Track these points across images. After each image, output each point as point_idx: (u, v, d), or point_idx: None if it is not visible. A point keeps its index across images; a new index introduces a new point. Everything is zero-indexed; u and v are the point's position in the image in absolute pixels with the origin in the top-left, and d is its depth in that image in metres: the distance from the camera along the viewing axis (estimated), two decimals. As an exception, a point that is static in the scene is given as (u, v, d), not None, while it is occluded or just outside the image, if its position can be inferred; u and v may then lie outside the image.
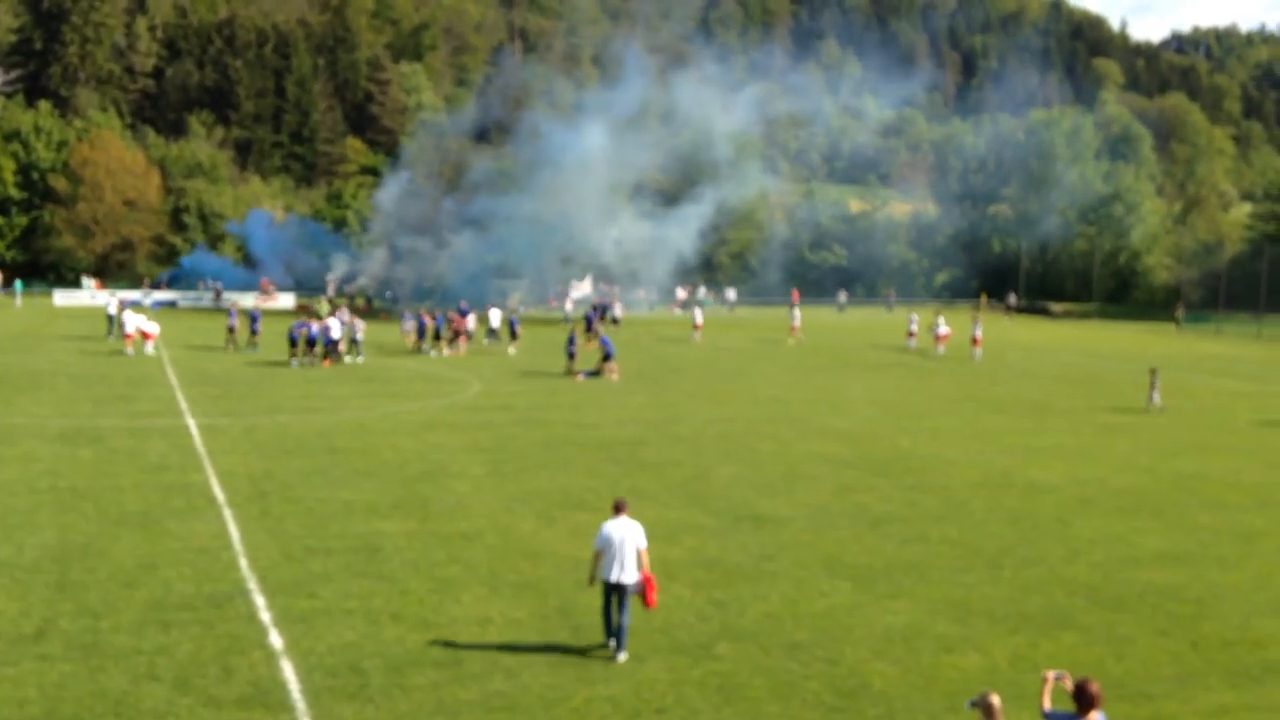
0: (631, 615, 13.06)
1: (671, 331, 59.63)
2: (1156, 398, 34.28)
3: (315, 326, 41.29)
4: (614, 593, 12.76)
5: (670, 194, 72.43)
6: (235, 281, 74.85)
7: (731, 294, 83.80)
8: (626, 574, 12.68)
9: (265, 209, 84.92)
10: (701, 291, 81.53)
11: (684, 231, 68.59)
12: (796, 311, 60.01)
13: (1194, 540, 18.67)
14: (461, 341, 45.42)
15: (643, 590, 12.77)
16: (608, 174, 66.94)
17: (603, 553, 12.77)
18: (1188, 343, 63.90)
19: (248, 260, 78.42)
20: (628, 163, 67.71)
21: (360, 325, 42.54)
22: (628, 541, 12.74)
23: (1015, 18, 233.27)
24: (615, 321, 55.82)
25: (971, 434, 28.79)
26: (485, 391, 34.39)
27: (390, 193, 76.08)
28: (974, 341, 49.39)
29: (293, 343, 40.26)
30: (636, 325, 61.69)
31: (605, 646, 12.95)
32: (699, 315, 57.63)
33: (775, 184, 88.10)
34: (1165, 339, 66.64)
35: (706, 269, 74.57)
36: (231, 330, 44.65)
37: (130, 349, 42.28)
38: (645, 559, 12.92)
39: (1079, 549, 17.85)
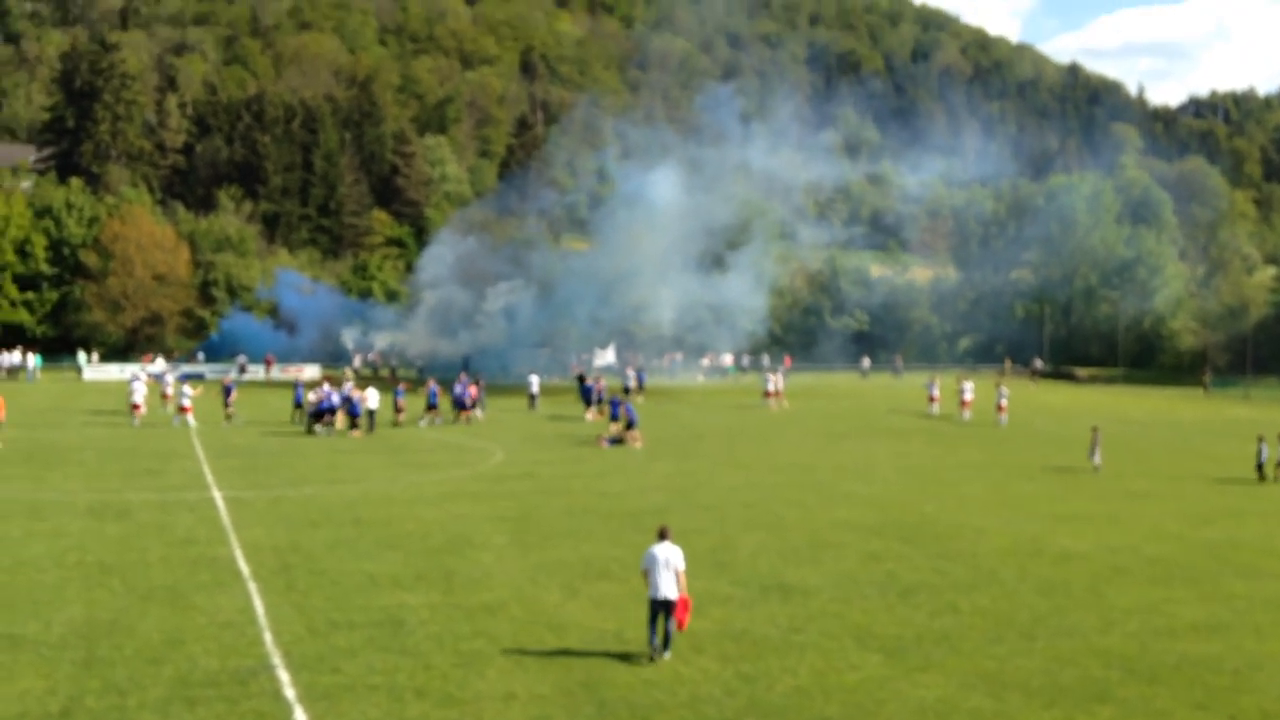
0: (674, 626, 14.87)
1: (739, 399, 59.60)
2: (1097, 457, 34.10)
3: (336, 396, 41.42)
4: (659, 608, 14.73)
5: (716, 254, 69.00)
6: (273, 346, 75.22)
7: (765, 359, 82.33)
8: (668, 590, 14.67)
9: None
10: (726, 358, 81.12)
11: (757, 293, 66.00)
12: (779, 376, 58.33)
13: (1229, 609, 18.35)
14: (465, 413, 45.07)
15: (678, 610, 14.71)
16: (680, 226, 63.72)
17: (648, 572, 14.83)
18: (1216, 407, 63.32)
19: (283, 325, 78.74)
20: (700, 215, 64.49)
21: (375, 396, 42.18)
22: (669, 563, 14.74)
23: (1032, 84, 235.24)
24: (627, 390, 54.71)
25: (999, 500, 28.52)
26: (508, 460, 34.38)
27: (438, 254, 74.55)
28: (999, 408, 49.08)
29: (318, 413, 40.50)
30: (676, 394, 61.43)
31: (650, 647, 14.83)
32: (771, 381, 56.65)
33: (797, 249, 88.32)
34: (1193, 404, 66.09)
35: (696, 333, 73.09)
36: (227, 405, 44.12)
37: (137, 420, 42.55)
38: (683, 580, 14.82)
39: (1113, 619, 17.56)
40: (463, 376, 49.31)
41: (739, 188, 71.03)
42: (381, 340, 76.52)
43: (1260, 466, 32.93)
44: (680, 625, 14.85)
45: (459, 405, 44.88)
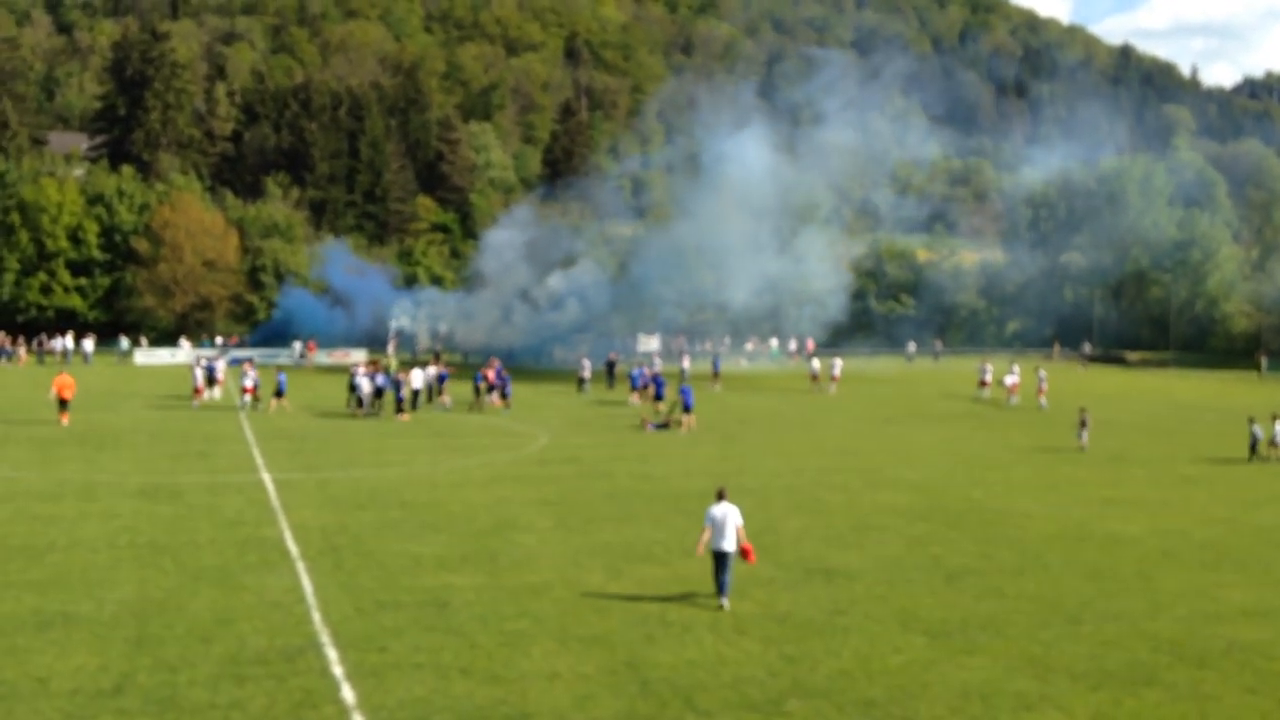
0: (732, 575, 16.66)
1: (788, 383, 59.27)
2: (1085, 437, 34.62)
3: (381, 378, 42.03)
4: (720, 559, 16.47)
5: (787, 235, 65.53)
6: (329, 327, 75.40)
7: (809, 344, 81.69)
8: (728, 543, 16.43)
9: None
10: (774, 343, 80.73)
11: (836, 274, 63.48)
12: (815, 363, 57.37)
13: (1279, 594, 18.09)
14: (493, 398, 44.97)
15: (743, 554, 16.80)
16: (764, 198, 60.67)
17: (711, 528, 16.54)
18: (1270, 391, 62.21)
19: (338, 303, 78.64)
20: (784, 190, 61.24)
21: (419, 376, 43.11)
22: (729, 519, 16.49)
23: (1084, 65, 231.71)
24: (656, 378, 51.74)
25: (1047, 485, 28.25)
26: (552, 444, 34.51)
27: (506, 235, 71.96)
28: (1039, 392, 48.70)
29: (373, 395, 41.24)
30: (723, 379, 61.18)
31: (716, 597, 16.51)
32: (837, 366, 56.04)
33: (842, 233, 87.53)
34: (1247, 387, 64.99)
35: (772, 318, 71.46)
36: (254, 388, 43.24)
37: (196, 402, 44.15)
38: (742, 533, 16.72)
39: (1161, 603, 17.37)
40: (493, 361, 49.20)
41: (816, 162, 68.42)
42: (423, 324, 76.30)
43: (1254, 446, 33.45)
44: (749, 558, 16.97)
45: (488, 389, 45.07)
